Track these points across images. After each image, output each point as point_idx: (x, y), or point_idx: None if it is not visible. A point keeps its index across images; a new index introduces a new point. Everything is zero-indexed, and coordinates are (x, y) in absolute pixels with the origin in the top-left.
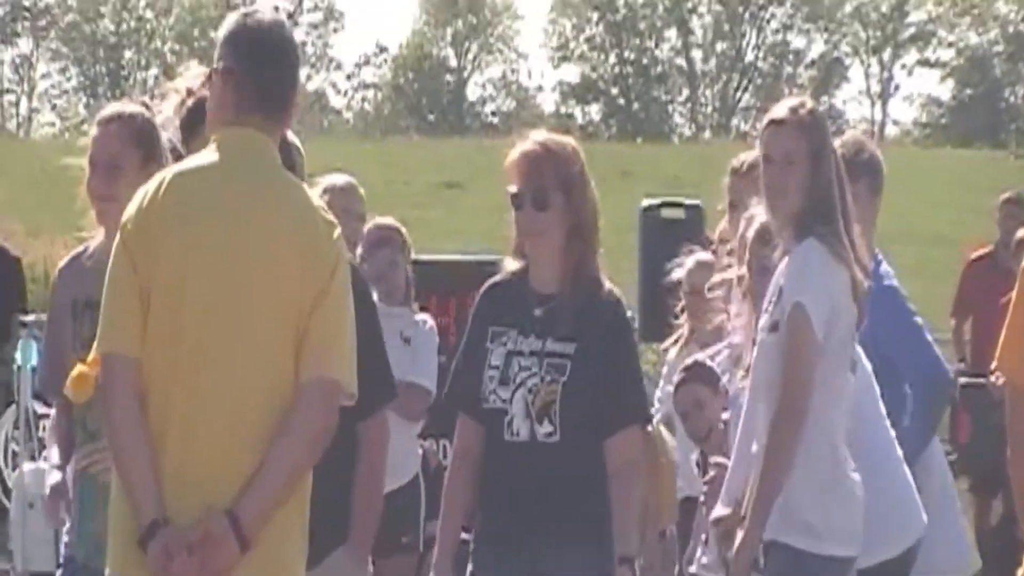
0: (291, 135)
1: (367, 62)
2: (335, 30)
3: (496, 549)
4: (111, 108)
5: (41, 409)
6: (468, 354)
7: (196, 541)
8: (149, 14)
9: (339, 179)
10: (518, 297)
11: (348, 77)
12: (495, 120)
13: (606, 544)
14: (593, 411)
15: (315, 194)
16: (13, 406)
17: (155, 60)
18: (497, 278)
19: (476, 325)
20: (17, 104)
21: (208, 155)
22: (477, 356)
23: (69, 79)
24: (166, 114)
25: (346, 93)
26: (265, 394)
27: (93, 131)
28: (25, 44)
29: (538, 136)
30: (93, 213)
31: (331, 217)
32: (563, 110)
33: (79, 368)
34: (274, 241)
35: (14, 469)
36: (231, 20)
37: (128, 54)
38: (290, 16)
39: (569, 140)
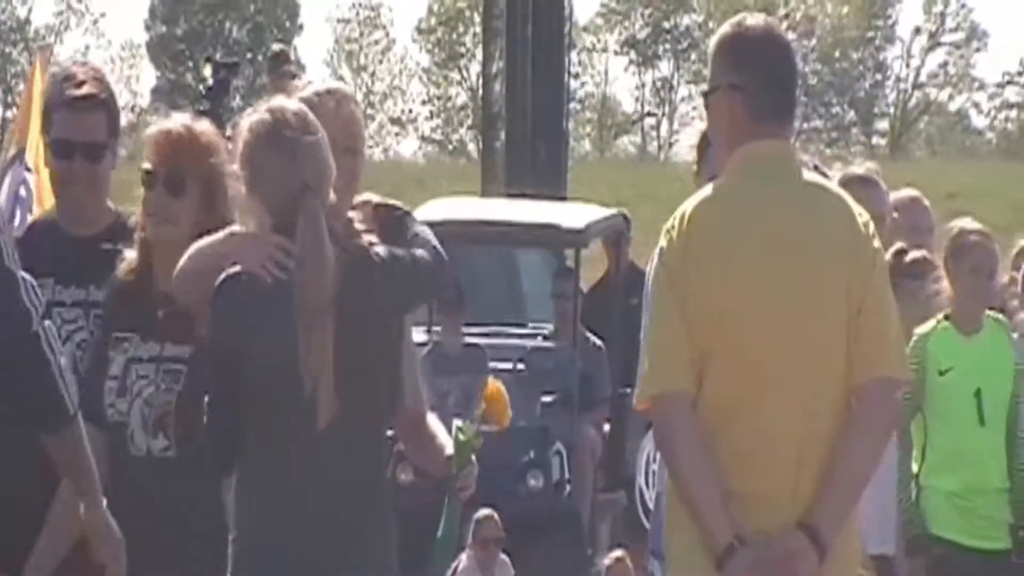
0: None
1: (1010, 82)
2: (977, 49)
3: None
4: None
5: None
6: None
7: (777, 558)
8: None
9: (904, 194)
10: None
11: (990, 97)
12: None
13: None
14: None
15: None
16: None
17: None
18: None
19: None
20: None
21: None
22: None
23: None
24: None
25: (989, 113)
26: (830, 402)
27: None
28: None
29: None
30: None
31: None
32: None
33: None
34: (820, 249)
35: None
36: None
37: None
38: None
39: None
